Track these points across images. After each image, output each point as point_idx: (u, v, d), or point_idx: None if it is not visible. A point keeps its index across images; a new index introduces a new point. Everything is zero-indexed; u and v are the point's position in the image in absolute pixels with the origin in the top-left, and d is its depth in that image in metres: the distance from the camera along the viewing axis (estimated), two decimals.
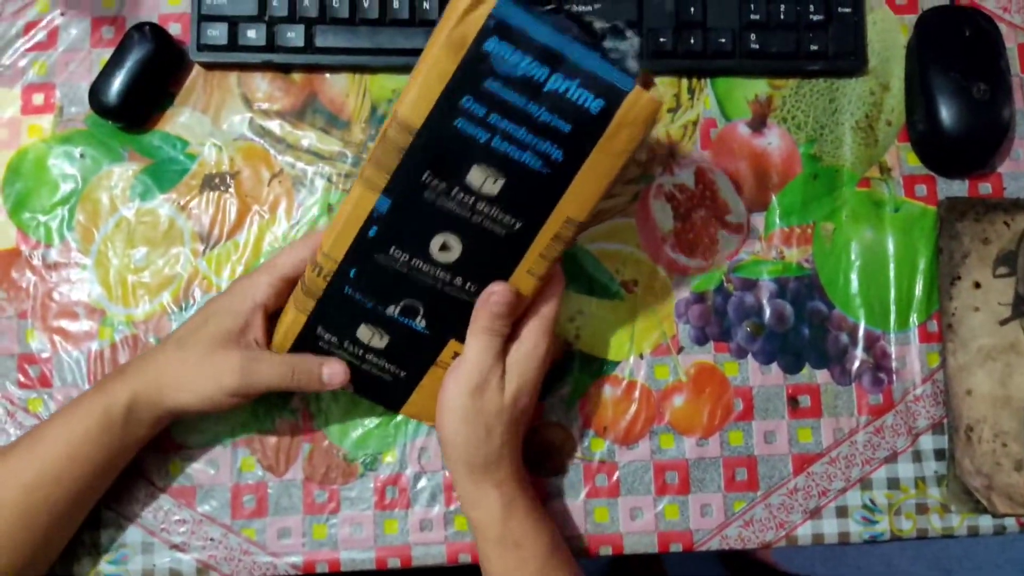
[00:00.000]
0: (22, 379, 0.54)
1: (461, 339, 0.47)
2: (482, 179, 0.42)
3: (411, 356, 0.49)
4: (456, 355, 0.48)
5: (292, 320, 0.48)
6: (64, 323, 0.55)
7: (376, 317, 0.47)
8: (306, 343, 0.49)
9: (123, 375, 0.48)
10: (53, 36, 0.57)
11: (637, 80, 0.40)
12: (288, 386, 0.47)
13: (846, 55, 0.57)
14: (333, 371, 0.48)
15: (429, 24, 0.55)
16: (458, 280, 0.45)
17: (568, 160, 0.42)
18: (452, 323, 0.47)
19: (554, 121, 0.41)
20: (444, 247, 0.44)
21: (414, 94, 0.41)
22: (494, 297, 0.45)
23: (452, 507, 0.54)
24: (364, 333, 0.48)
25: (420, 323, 0.47)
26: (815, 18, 0.56)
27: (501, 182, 0.42)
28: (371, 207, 0.43)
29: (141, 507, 0.53)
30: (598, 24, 0.41)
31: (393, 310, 0.47)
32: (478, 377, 0.46)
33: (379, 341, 0.48)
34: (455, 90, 0.40)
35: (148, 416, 0.48)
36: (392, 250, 0.45)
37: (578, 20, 0.41)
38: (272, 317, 0.49)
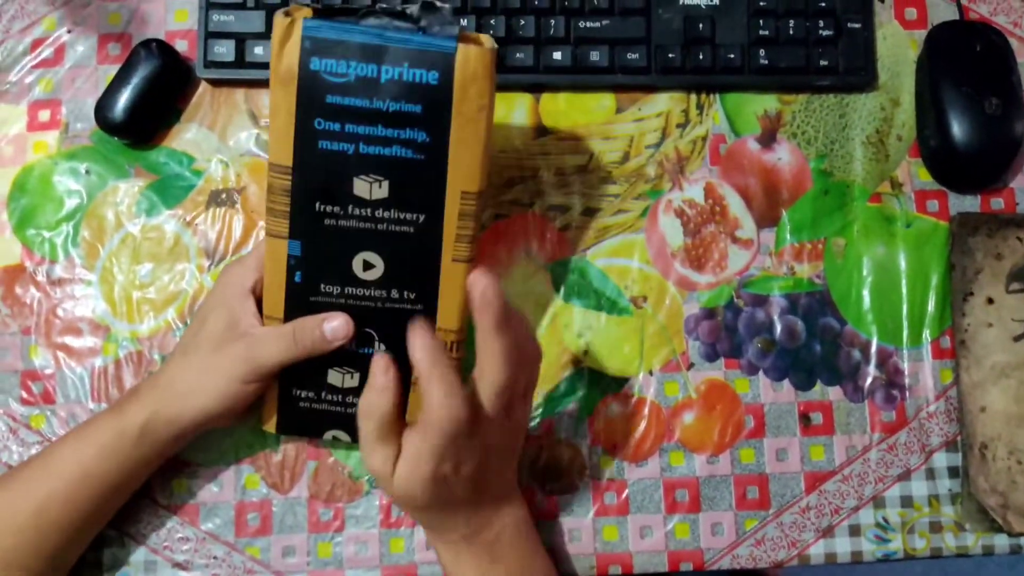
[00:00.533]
0: (25, 396, 0.54)
1: None
2: (367, 187, 0.43)
3: None
4: None
5: (268, 390, 0.49)
6: (68, 339, 0.54)
7: (339, 358, 0.47)
8: (290, 408, 0.49)
9: (137, 396, 0.48)
10: (60, 53, 0.57)
11: (461, 39, 0.41)
12: (297, 354, 0.46)
13: (856, 70, 0.57)
14: (335, 326, 0.46)
15: None
16: (395, 292, 0.46)
17: (434, 138, 0.42)
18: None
19: (403, 107, 0.42)
20: (367, 265, 0.45)
21: (274, 136, 0.43)
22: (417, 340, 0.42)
23: None
24: (335, 377, 0.48)
25: (381, 348, 0.47)
26: (825, 33, 0.56)
27: (386, 184, 0.43)
28: (286, 255, 0.45)
29: (144, 525, 0.52)
30: (409, 9, 0.42)
31: (351, 345, 0.47)
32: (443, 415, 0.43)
33: (352, 380, 0.48)
34: (305, 117, 0.42)
35: (167, 433, 0.47)
36: (323, 287, 0.46)
37: (390, 13, 0.42)
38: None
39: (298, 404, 0.49)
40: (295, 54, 0.41)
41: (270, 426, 0.50)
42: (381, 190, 0.43)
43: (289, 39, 0.41)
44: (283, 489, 0.53)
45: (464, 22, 0.55)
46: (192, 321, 0.50)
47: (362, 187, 0.43)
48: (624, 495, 0.54)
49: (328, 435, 0.50)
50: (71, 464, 0.46)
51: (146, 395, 0.48)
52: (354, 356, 0.47)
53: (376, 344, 0.47)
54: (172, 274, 0.55)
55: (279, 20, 0.41)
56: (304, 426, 0.50)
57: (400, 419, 0.44)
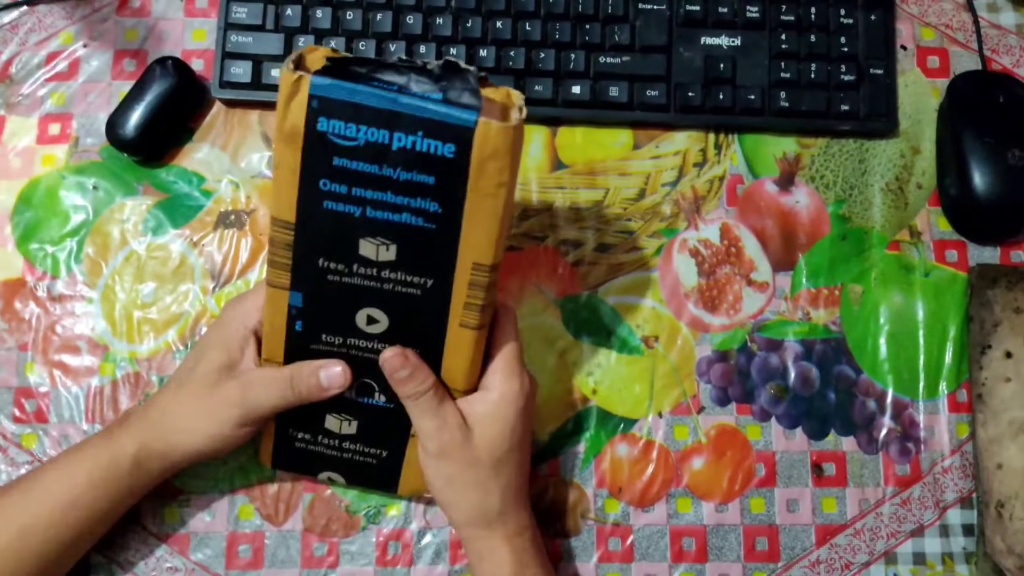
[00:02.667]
0: (17, 413, 0.52)
1: None
2: (374, 249, 0.41)
3: (385, 434, 0.47)
4: None
5: (266, 426, 0.48)
6: (65, 357, 0.53)
7: (338, 405, 0.46)
8: (286, 446, 0.48)
9: (128, 424, 0.47)
10: (74, 67, 0.57)
11: (483, 111, 0.38)
12: (291, 401, 0.45)
13: (877, 116, 0.56)
14: (332, 373, 0.44)
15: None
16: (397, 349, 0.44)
17: (447, 210, 0.40)
18: None
19: (415, 177, 0.39)
20: (371, 320, 0.43)
21: (277, 192, 0.40)
22: (386, 367, 0.43)
23: (457, 566, 0.51)
24: (332, 423, 0.47)
25: (380, 399, 0.46)
26: (846, 78, 0.56)
27: (393, 247, 0.41)
28: (287, 304, 0.43)
29: (133, 553, 0.51)
30: (431, 65, 0.39)
31: (351, 393, 0.45)
32: (432, 442, 0.44)
33: (349, 428, 0.47)
34: (309, 177, 0.39)
35: (157, 467, 0.46)
36: (324, 336, 0.44)
37: (410, 68, 0.39)
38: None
39: (294, 443, 0.48)
40: (301, 113, 0.38)
41: (265, 459, 0.49)
42: (388, 253, 0.41)
43: (296, 96, 0.37)
44: (277, 521, 0.52)
45: (484, 53, 0.55)
46: (191, 351, 0.48)
47: (368, 248, 0.41)
48: (629, 541, 0.52)
49: (323, 475, 0.49)
50: (58, 491, 0.45)
51: (136, 425, 0.46)
52: (353, 404, 0.46)
53: (376, 395, 0.46)
54: (175, 295, 0.54)
55: (286, 74, 0.37)
56: (299, 464, 0.49)
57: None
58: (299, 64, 0.38)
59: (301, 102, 0.38)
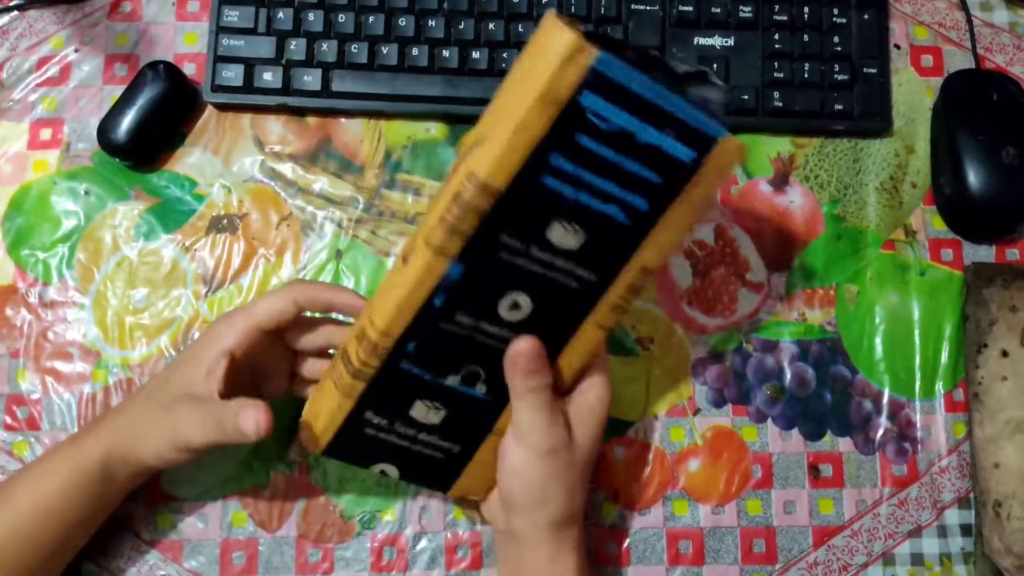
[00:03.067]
0: (9, 421, 0.52)
1: None
2: (563, 235, 0.39)
3: (468, 428, 0.45)
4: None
5: (337, 407, 0.43)
6: (57, 364, 0.53)
7: (434, 390, 0.43)
8: (352, 431, 0.43)
9: (96, 429, 0.46)
10: (66, 72, 0.57)
11: (724, 128, 0.38)
12: (220, 440, 0.42)
13: (871, 115, 0.56)
14: (247, 419, 0.40)
15: (447, 72, 0.55)
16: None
17: (652, 210, 0.39)
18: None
19: (644, 173, 0.38)
20: (514, 306, 0.41)
21: (497, 153, 0.36)
22: (521, 359, 0.41)
23: (453, 571, 0.51)
24: (419, 410, 0.43)
25: (480, 389, 0.43)
26: (840, 78, 0.56)
27: (582, 236, 0.39)
28: (440, 275, 0.39)
29: (126, 561, 0.50)
30: (682, 68, 0.38)
31: (454, 380, 0.42)
32: (546, 439, 0.43)
33: (435, 416, 0.44)
34: (544, 147, 0.36)
35: (123, 473, 0.45)
36: (458, 316, 0.40)
37: (662, 65, 0.38)
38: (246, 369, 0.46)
39: (364, 428, 0.44)
40: (574, 82, 0.35)
41: (314, 445, 0.44)
42: (573, 241, 0.39)
43: (572, 63, 0.35)
44: (271, 527, 0.51)
45: (476, 55, 0.55)
46: (172, 361, 0.47)
47: (559, 233, 0.38)
48: (625, 544, 0.52)
49: (376, 468, 0.46)
50: (31, 503, 0.44)
51: (103, 429, 0.45)
52: (450, 392, 0.43)
53: (478, 385, 0.43)
54: (167, 300, 0.54)
55: (569, 36, 0.34)
56: (357, 453, 0.45)
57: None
58: (573, 28, 0.35)
59: (578, 71, 0.35)
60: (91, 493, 0.45)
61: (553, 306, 0.41)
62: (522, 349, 0.41)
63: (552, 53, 0.35)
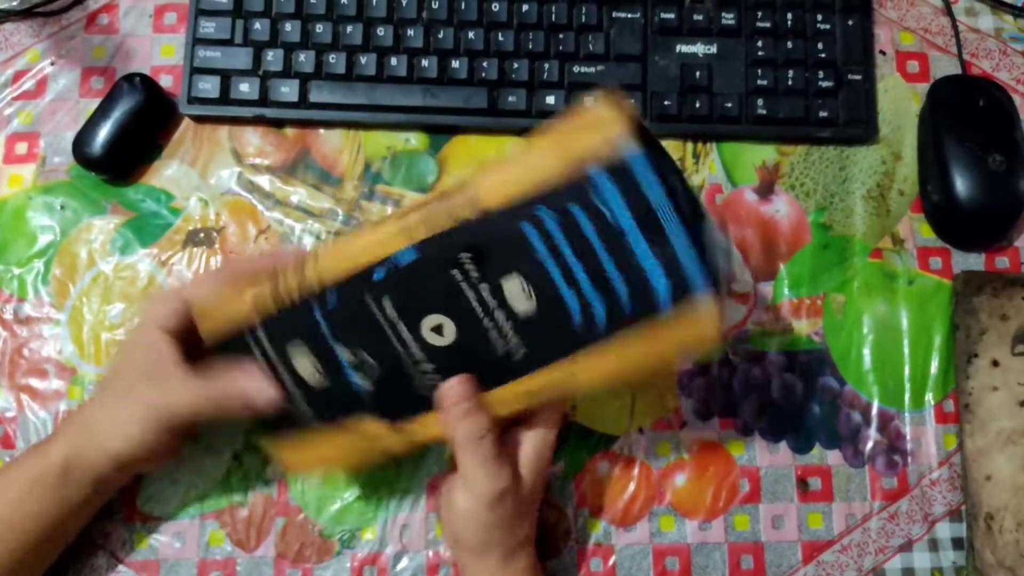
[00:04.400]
0: None
1: (383, 419, 0.43)
2: (516, 292, 0.38)
3: (329, 407, 0.43)
4: (370, 434, 0.43)
5: (241, 312, 0.43)
6: (33, 381, 0.52)
7: (326, 354, 0.42)
8: (238, 336, 0.43)
9: (57, 433, 0.45)
10: (42, 85, 0.56)
11: (714, 289, 0.36)
12: (208, 410, 0.43)
13: (856, 122, 0.55)
14: (260, 387, 0.42)
15: (426, 81, 0.54)
16: (428, 367, 0.41)
17: (608, 326, 0.38)
18: (390, 400, 0.42)
19: (616, 282, 0.37)
20: (437, 329, 0.40)
21: (501, 180, 0.37)
22: (446, 396, 0.41)
23: None
24: (302, 364, 0.42)
25: (363, 382, 0.42)
26: (824, 84, 0.55)
27: (532, 305, 0.38)
28: (393, 251, 0.39)
29: None
30: (702, 207, 0.38)
31: (347, 356, 0.42)
32: (492, 489, 0.42)
33: (311, 377, 0.43)
34: (539, 196, 0.37)
35: (89, 475, 0.44)
36: (384, 302, 0.40)
37: (685, 188, 0.38)
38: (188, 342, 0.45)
39: (246, 342, 0.43)
40: (594, 157, 0.36)
41: (212, 331, 0.44)
42: (524, 305, 0.38)
43: (607, 140, 0.35)
44: (249, 547, 0.50)
45: (456, 64, 0.54)
46: (115, 354, 0.47)
47: (513, 287, 0.38)
48: (611, 562, 0.51)
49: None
50: None
51: (64, 431, 0.45)
52: (337, 366, 0.42)
53: (363, 376, 0.42)
54: None
55: (616, 115, 0.36)
56: (228, 351, 0.44)
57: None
58: (613, 104, 0.36)
59: (606, 148, 0.36)
60: (52, 499, 0.44)
61: (471, 355, 0.40)
62: (449, 386, 0.41)
63: (595, 127, 0.36)
